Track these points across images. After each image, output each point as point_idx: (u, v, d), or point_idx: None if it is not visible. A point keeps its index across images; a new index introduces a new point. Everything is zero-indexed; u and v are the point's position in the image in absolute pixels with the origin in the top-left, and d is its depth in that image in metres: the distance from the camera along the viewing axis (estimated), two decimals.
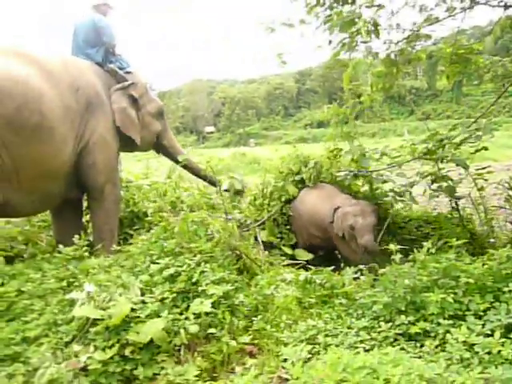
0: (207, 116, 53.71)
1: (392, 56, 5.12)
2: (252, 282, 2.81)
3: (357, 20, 4.42)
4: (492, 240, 3.79)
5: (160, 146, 4.78)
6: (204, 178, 5.06)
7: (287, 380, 1.68)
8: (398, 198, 4.86)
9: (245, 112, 51.51)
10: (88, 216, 4.33)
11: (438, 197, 4.64)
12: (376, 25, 4.48)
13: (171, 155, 4.90)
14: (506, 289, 2.19)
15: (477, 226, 4.74)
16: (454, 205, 4.77)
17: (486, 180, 4.58)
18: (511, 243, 3.98)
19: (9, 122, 3.04)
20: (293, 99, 54.90)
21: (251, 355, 2.15)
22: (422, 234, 4.77)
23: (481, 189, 4.55)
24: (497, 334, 1.89)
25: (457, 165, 4.37)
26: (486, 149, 4.36)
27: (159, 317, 2.13)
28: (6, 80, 3.07)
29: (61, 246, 3.09)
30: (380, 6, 4.19)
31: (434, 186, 4.52)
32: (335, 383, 1.42)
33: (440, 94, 44.17)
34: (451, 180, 4.54)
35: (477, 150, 4.42)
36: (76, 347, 1.99)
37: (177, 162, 4.80)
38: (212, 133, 53.57)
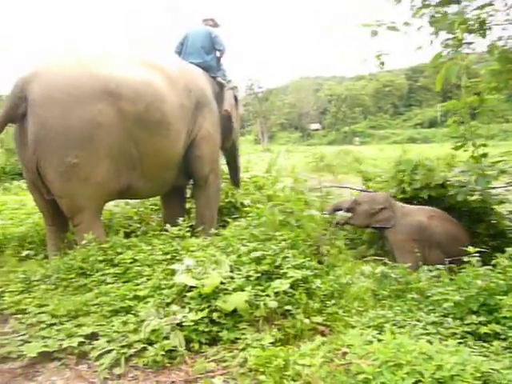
0: (313, 113, 53.84)
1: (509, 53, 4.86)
2: (330, 271, 3.01)
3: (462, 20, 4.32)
4: None
5: (233, 150, 5.24)
6: (235, 179, 5.39)
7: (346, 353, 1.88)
8: None
9: (351, 110, 50.65)
10: (191, 202, 4.88)
11: None
12: (482, 24, 4.34)
13: (234, 156, 5.32)
14: None
15: None
16: None
17: None
18: None
19: (138, 118, 3.61)
20: (403, 97, 52.67)
21: (322, 334, 2.36)
22: None
23: None
24: None
25: None
26: None
27: (244, 291, 2.45)
28: (139, 84, 3.65)
29: (167, 226, 3.60)
30: (486, 5, 4.06)
31: None
32: (385, 358, 1.60)
33: None
34: None
35: None
36: (174, 307, 2.40)
37: (233, 163, 5.30)
38: (317, 130, 53.60)
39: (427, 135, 40.21)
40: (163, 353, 2.13)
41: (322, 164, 21.54)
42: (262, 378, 1.84)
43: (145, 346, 2.19)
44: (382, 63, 4.72)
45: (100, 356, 2.16)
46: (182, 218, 3.66)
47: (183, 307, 2.42)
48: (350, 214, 4.64)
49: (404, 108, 52.63)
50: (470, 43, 4.31)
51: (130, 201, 5.01)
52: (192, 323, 2.27)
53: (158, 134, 3.77)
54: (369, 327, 2.25)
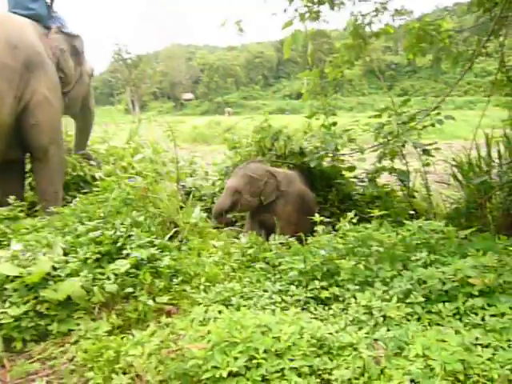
0: (185, 83, 52.69)
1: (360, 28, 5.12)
2: (182, 247, 2.86)
3: None
4: (411, 212, 3.93)
5: (82, 110, 4.70)
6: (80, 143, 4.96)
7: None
8: (360, 184, 4.91)
9: (224, 80, 50.76)
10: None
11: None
12: None
13: (88, 121, 4.86)
14: (413, 258, 2.32)
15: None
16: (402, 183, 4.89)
17: (432, 156, 4.70)
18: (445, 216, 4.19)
19: None
20: (273, 69, 54.31)
21: (169, 315, 2.22)
22: (372, 209, 4.86)
23: (427, 165, 4.68)
24: (394, 299, 2.02)
25: (415, 147, 4.44)
26: (433, 125, 4.46)
27: (79, 276, 2.18)
28: None
29: None
30: None
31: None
32: (218, 338, 1.50)
33: (419, 71, 44.30)
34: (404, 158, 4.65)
35: (424, 126, 4.53)
36: None
37: (83, 127, 4.81)
38: (190, 100, 52.70)
39: (295, 106, 42.14)
40: None
41: (195, 134, 21.36)
42: (91, 374, 1.64)
43: None
44: (241, 29, 4.63)
45: None
46: (12, 197, 3.17)
47: (3, 302, 2.07)
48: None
49: (274, 80, 54.36)
50: (318, 12, 4.42)
51: None
52: (12, 319, 1.95)
53: None
54: (216, 302, 2.16)
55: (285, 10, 4.42)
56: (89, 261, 2.30)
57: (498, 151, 4.58)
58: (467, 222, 4.01)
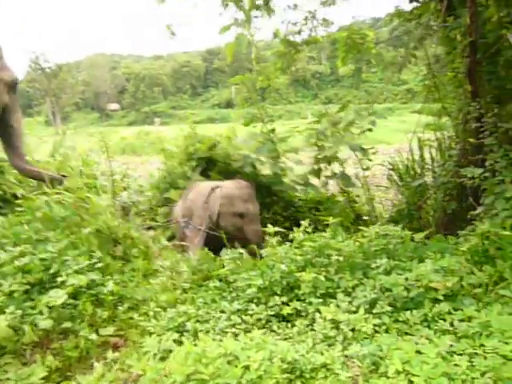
0: (110, 92, 50.83)
1: (290, 36, 5.16)
2: (127, 267, 2.60)
3: None
4: (365, 217, 3.95)
5: (4, 126, 4.01)
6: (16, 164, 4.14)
7: (140, 376, 1.53)
8: (299, 186, 4.88)
9: (150, 89, 49.68)
10: None
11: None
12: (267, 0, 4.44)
13: (12, 140, 4.05)
14: (373, 265, 2.25)
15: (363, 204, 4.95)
16: (342, 187, 4.92)
17: (370, 160, 4.78)
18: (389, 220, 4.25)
19: None
20: (200, 78, 54.09)
21: (115, 348, 1.97)
22: (315, 215, 4.83)
23: (366, 169, 4.74)
24: (361, 310, 1.93)
25: (353, 150, 4.49)
26: (370, 130, 4.54)
27: (4, 313, 1.86)
28: None
29: None
30: None
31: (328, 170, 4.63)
32: (184, 379, 1.30)
33: (342, 80, 46.25)
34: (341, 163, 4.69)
35: (362, 132, 4.60)
36: None
37: (11, 145, 4.04)
38: (116, 110, 50.91)
39: (224, 115, 42.19)
40: None
41: (123, 145, 20.56)
42: None
43: None
44: (173, 33, 4.46)
45: None
46: None
47: None
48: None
49: (202, 89, 54.11)
50: (255, 17, 4.39)
51: None
52: None
53: None
54: (168, 330, 1.94)
55: (220, 14, 4.32)
56: (16, 294, 1.99)
57: (431, 154, 4.76)
58: (409, 223, 4.10)
